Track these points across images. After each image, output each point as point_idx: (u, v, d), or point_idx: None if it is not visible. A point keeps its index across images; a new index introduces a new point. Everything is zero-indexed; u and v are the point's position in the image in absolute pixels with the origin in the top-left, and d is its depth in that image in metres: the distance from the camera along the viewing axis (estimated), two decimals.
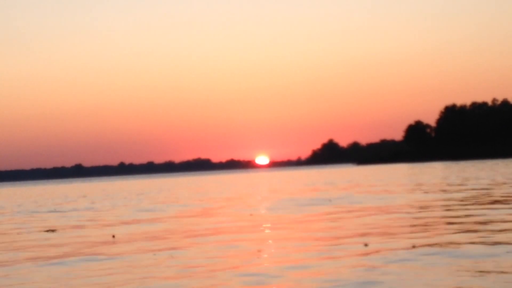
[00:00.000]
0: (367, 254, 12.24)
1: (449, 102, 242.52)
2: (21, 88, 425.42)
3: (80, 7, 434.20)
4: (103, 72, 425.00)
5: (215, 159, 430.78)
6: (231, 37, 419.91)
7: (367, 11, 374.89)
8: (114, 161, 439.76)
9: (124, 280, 10.73)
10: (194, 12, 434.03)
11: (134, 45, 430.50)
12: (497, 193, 28.64)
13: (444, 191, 32.94)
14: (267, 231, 17.92)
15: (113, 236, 18.96)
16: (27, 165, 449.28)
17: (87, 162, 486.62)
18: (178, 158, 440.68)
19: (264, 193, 43.26)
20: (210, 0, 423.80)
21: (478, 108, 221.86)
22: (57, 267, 12.78)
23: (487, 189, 32.30)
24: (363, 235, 15.46)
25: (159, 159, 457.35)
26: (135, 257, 13.55)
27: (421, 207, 22.96)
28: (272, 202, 32.17)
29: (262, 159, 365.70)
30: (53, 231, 22.19)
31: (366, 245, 13.52)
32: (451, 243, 13.11)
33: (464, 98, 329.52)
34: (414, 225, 16.92)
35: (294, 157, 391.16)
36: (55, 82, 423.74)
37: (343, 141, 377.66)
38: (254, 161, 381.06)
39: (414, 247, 12.83)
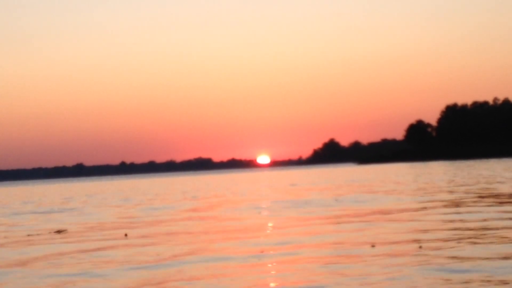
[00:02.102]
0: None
1: (450, 101, 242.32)
2: (22, 87, 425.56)
3: (82, 6, 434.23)
4: (105, 71, 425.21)
5: (216, 158, 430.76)
6: (232, 36, 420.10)
7: (368, 9, 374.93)
8: (115, 161, 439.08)
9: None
10: (196, 11, 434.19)
11: (135, 44, 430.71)
12: None
13: None
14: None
15: (126, 235, 19.15)
16: (28, 165, 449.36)
17: (88, 162, 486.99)
18: (179, 158, 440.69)
19: (276, 194, 43.37)
20: None
21: (479, 108, 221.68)
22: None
23: None
24: None
25: (160, 158, 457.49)
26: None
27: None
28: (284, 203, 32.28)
29: (263, 159, 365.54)
30: (62, 231, 22.33)
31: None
32: None
33: (465, 97, 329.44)
34: None
35: (295, 157, 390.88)
36: (56, 81, 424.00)
37: (344, 141, 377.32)
38: (255, 160, 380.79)
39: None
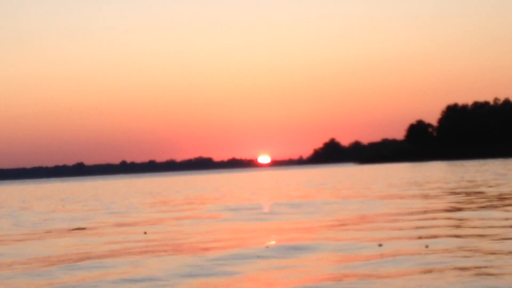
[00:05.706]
0: None
1: (451, 101, 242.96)
2: (22, 86, 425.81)
3: (83, 5, 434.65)
4: (105, 70, 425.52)
5: (216, 158, 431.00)
6: (232, 36, 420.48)
7: (368, 9, 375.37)
8: (115, 160, 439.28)
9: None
10: (196, 11, 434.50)
11: (136, 43, 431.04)
12: None
13: None
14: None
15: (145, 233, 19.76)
16: (29, 164, 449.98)
17: (89, 161, 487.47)
18: (179, 157, 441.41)
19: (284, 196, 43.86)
20: None
21: (480, 108, 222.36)
22: None
23: None
24: None
25: (160, 157, 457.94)
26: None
27: None
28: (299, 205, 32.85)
29: (263, 158, 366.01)
30: (82, 229, 22.96)
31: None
32: None
33: (466, 97, 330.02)
34: None
35: (295, 156, 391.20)
36: (57, 80, 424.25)
37: (345, 140, 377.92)
38: (256, 160, 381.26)
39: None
